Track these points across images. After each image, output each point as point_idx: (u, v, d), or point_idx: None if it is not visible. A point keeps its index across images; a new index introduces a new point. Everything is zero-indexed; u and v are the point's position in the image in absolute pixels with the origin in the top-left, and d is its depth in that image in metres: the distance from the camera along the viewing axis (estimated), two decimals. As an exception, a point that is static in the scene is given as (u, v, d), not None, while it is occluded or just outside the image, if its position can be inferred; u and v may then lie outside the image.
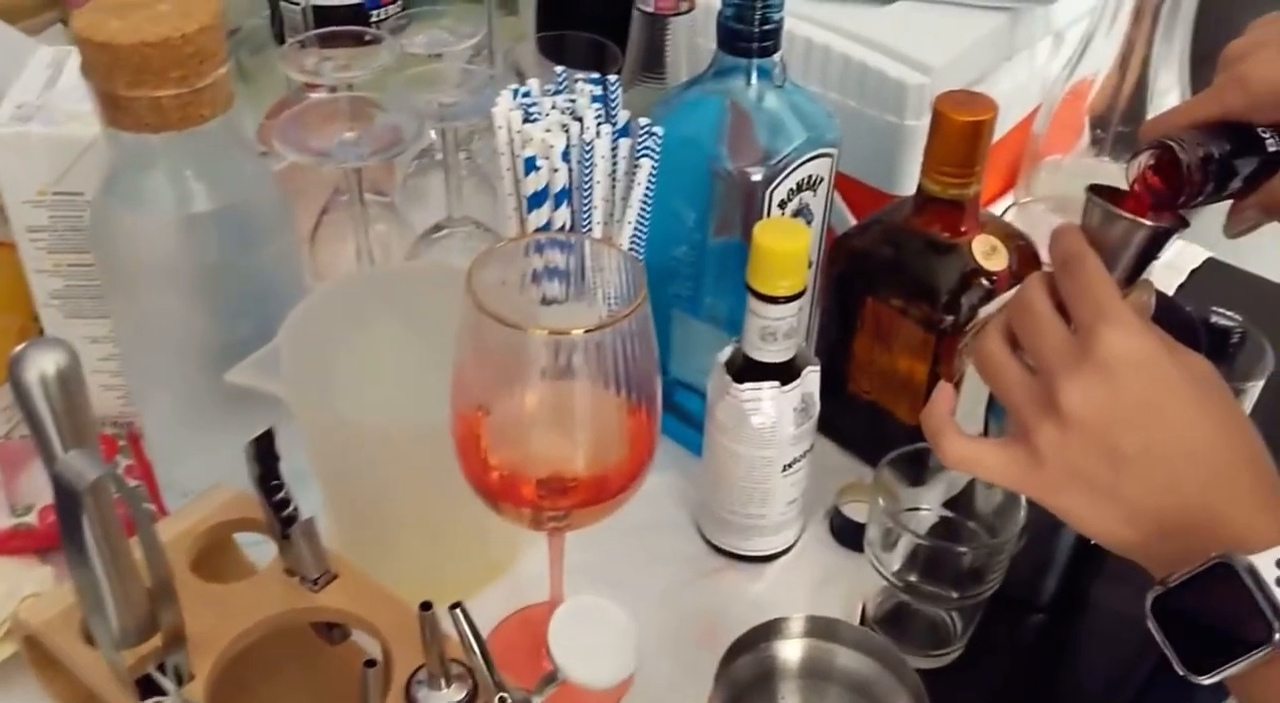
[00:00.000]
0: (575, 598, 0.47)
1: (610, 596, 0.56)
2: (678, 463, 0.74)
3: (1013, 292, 0.68)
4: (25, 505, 0.67)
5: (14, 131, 0.64)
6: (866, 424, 0.75)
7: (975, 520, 0.65)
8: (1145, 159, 0.52)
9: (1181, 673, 0.44)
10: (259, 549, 0.62)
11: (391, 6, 0.88)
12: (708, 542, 0.71)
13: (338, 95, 0.72)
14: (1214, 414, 0.46)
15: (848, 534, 0.71)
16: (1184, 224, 0.51)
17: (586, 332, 0.49)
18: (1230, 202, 0.57)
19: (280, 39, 0.87)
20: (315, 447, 0.62)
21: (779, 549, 0.70)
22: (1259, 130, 0.53)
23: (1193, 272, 0.94)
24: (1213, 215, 0.69)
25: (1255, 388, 0.72)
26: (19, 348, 0.47)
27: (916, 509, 0.66)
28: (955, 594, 0.62)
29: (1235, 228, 0.59)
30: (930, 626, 0.66)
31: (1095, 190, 0.51)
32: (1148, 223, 0.49)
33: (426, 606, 0.50)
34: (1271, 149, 0.53)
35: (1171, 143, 0.51)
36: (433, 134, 0.83)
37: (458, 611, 0.49)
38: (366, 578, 0.58)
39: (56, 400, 0.47)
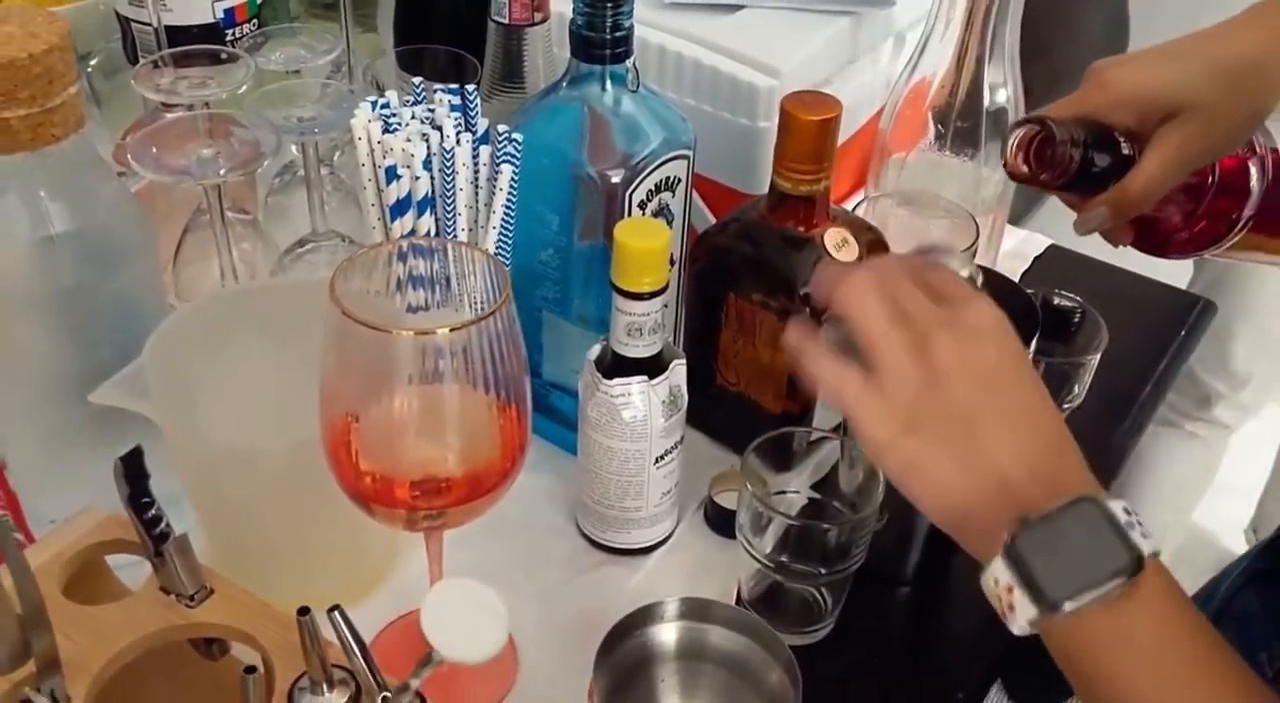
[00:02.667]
0: (443, 581, 0.48)
1: (493, 583, 0.57)
2: (553, 464, 0.76)
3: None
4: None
5: None
6: (735, 415, 0.78)
7: (839, 501, 0.68)
8: (1021, 133, 0.56)
9: (1027, 616, 0.47)
10: (132, 571, 0.62)
11: (246, 25, 0.88)
12: (586, 538, 0.73)
13: (194, 113, 0.72)
14: (1044, 392, 0.50)
15: (722, 523, 0.73)
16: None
17: (452, 331, 0.50)
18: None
19: (134, 61, 0.86)
20: (185, 465, 0.62)
21: (656, 541, 0.72)
22: (1115, 133, 0.58)
23: (1036, 258, 1.00)
24: (1055, 206, 0.73)
25: (1093, 361, 0.77)
26: None
27: (784, 493, 0.69)
28: (823, 571, 0.65)
29: (1085, 225, 0.63)
30: (802, 604, 0.68)
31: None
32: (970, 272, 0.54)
33: (304, 610, 0.51)
34: (1124, 151, 0.57)
35: (1049, 121, 0.55)
36: (294, 150, 0.83)
37: (335, 613, 0.50)
38: (243, 592, 0.58)
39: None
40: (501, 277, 0.53)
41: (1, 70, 0.53)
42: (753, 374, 0.76)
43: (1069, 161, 0.56)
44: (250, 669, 0.49)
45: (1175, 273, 1.31)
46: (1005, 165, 0.60)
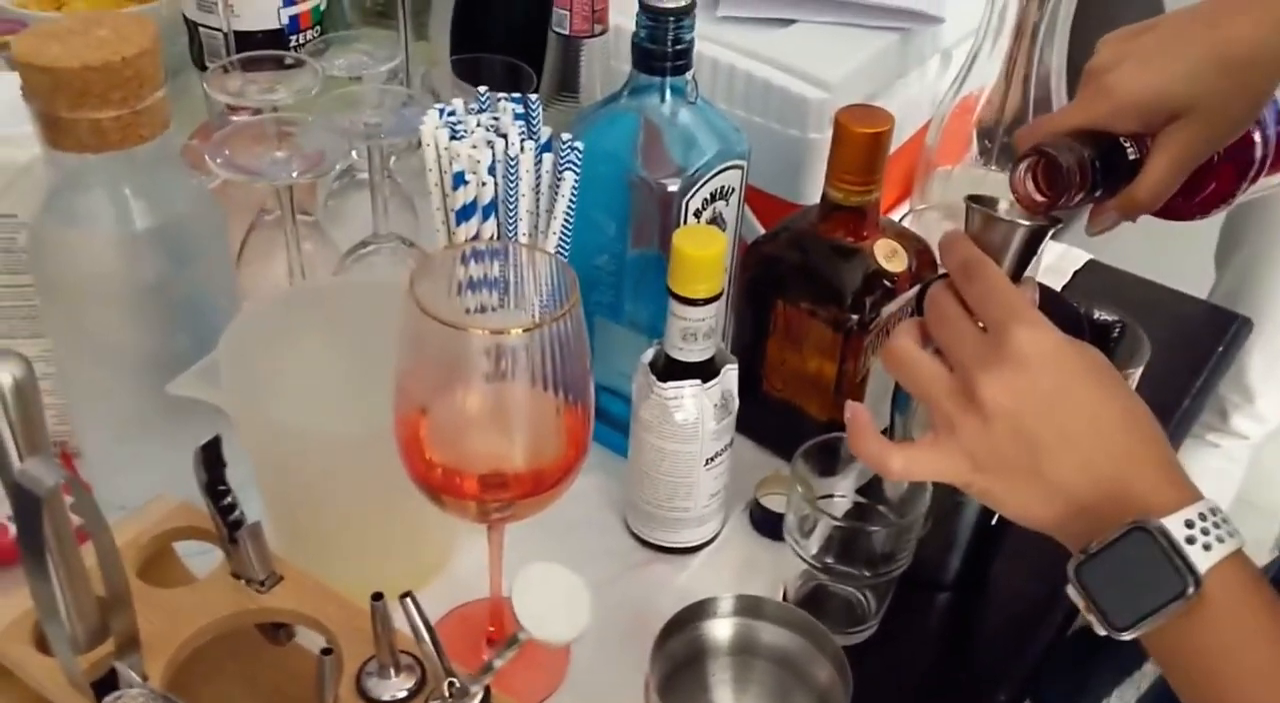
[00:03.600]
0: (529, 566, 0.50)
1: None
2: (603, 465, 0.77)
3: (913, 291, 0.74)
4: (-37, 523, 0.67)
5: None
6: (781, 421, 0.80)
7: (884, 505, 0.70)
8: (1026, 165, 0.57)
9: (1104, 633, 0.49)
10: (198, 560, 0.64)
11: (310, 32, 0.91)
12: (635, 537, 0.75)
13: (264, 117, 0.74)
14: (1116, 399, 0.51)
15: (767, 525, 0.75)
16: (1056, 222, 0.56)
17: (525, 331, 0.52)
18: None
19: (200, 64, 0.89)
20: (256, 455, 0.64)
21: (703, 541, 0.74)
22: (1120, 139, 0.59)
23: (1075, 273, 1.01)
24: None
25: (1135, 375, 0.79)
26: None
27: (830, 497, 0.70)
28: (868, 574, 0.66)
29: (1095, 228, 0.64)
30: (846, 606, 0.70)
31: (974, 199, 0.55)
32: (1024, 223, 0.54)
33: (378, 596, 0.53)
34: (1131, 156, 0.59)
35: (1049, 150, 0.56)
36: (354, 155, 0.85)
37: (408, 600, 0.52)
38: (311, 579, 0.60)
39: (13, 411, 0.49)
40: (568, 278, 0.56)
41: (95, 73, 0.56)
42: (799, 382, 0.78)
43: (1078, 184, 0.57)
44: (327, 651, 0.51)
45: (1200, 283, 1.32)
46: (1016, 197, 0.59)
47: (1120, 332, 0.83)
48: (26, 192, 0.64)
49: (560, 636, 0.48)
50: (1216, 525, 0.47)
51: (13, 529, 0.67)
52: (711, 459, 0.70)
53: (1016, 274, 0.55)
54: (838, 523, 0.65)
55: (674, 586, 0.72)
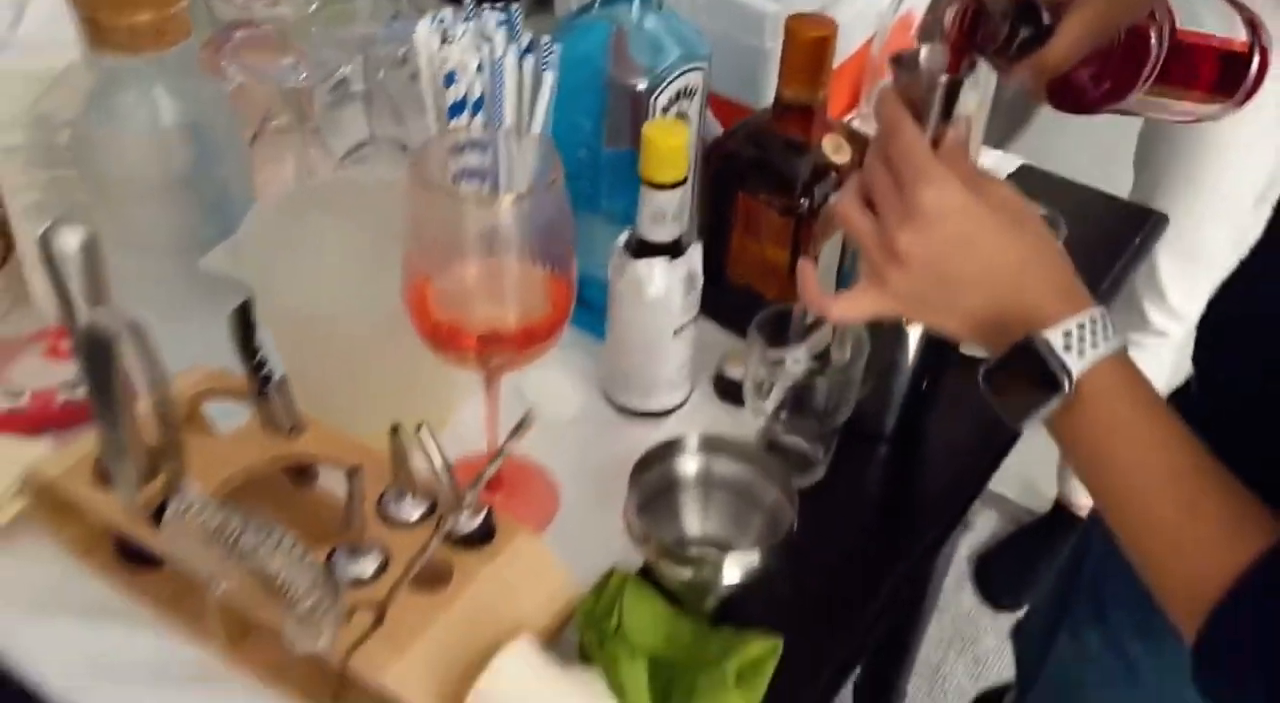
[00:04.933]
0: (532, 371, 0.59)
1: (536, 448, 0.68)
2: (583, 346, 0.86)
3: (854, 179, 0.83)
4: (17, 391, 0.76)
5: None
6: (742, 305, 0.88)
7: (829, 369, 0.79)
8: (956, 10, 0.65)
9: (1007, 423, 0.58)
10: (224, 425, 0.72)
11: (305, -48, 0.98)
12: (612, 405, 0.84)
13: (268, 29, 0.82)
14: (1017, 241, 0.60)
15: (730, 392, 0.84)
16: (973, 67, 0.64)
17: (514, 200, 0.61)
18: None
19: (203, -18, 0.96)
20: (274, 325, 0.72)
21: (672, 406, 0.83)
22: (1039, 7, 0.67)
23: (1009, 175, 1.10)
24: (1034, 132, 0.83)
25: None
26: (48, 226, 0.57)
27: (782, 363, 0.80)
28: (816, 425, 0.76)
29: (1010, 85, 0.71)
30: (799, 457, 0.80)
31: (896, 58, 0.64)
32: (943, 71, 0.62)
33: (395, 428, 0.62)
34: (1046, 22, 0.67)
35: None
36: (345, 69, 0.93)
37: (424, 428, 0.61)
38: (332, 427, 0.69)
39: (82, 267, 0.57)
40: (553, 157, 0.64)
41: (129, -10, 0.64)
42: (757, 269, 0.87)
43: (999, 33, 0.65)
44: (354, 470, 0.60)
45: (1124, 190, 1.42)
46: (945, 36, 0.66)
47: (1048, 223, 0.92)
48: (64, 95, 0.72)
49: (564, 411, 0.57)
50: (1094, 333, 0.56)
51: (60, 397, 0.76)
52: (679, 330, 0.79)
53: (945, 117, 0.62)
54: (793, 375, 0.75)
55: (648, 442, 0.81)
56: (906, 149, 0.60)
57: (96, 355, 0.58)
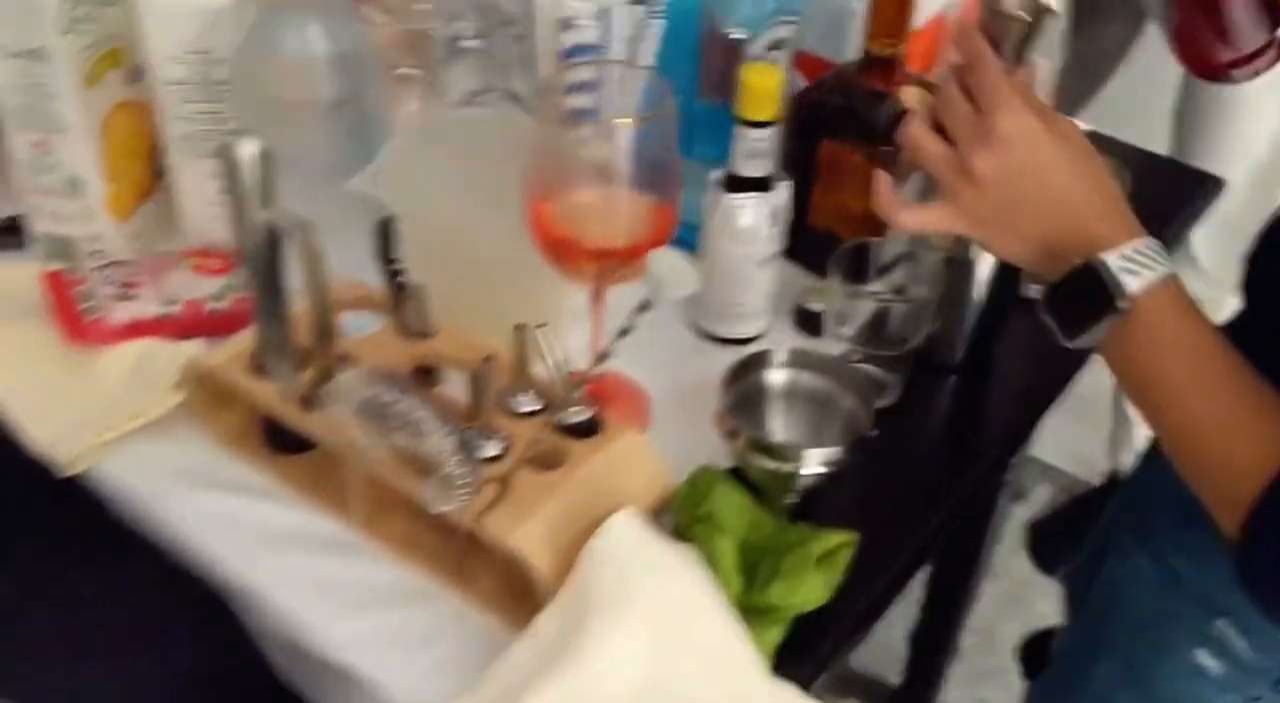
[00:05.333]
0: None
1: (629, 366, 0.76)
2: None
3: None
4: (171, 299, 0.85)
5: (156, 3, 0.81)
6: (821, 248, 0.95)
7: (904, 299, 0.86)
8: None
9: (1064, 343, 0.65)
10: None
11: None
12: (700, 333, 0.91)
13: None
14: (1084, 169, 0.66)
15: (809, 323, 0.91)
16: (1051, 11, 0.70)
17: (628, 122, 0.68)
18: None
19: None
20: (410, 241, 0.80)
21: (755, 333, 0.91)
22: None
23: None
24: (1102, 104, 0.87)
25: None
26: (228, 138, 0.65)
27: (860, 294, 0.87)
28: (890, 352, 0.83)
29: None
30: (874, 383, 0.87)
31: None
32: (1024, 15, 0.68)
33: (520, 328, 0.70)
34: None
35: None
36: (462, 22, 1.01)
37: (546, 328, 0.69)
38: (460, 331, 0.77)
39: (257, 174, 0.66)
40: (664, 88, 0.71)
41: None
42: (838, 215, 0.94)
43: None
44: (488, 358, 0.68)
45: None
46: None
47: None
48: (222, 33, 0.81)
49: (683, 290, 0.64)
50: (1150, 258, 0.62)
51: (208, 306, 0.84)
52: (764, 261, 0.86)
53: (1015, 63, 0.67)
54: (880, 298, 0.81)
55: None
56: (986, 78, 0.66)
57: (268, 252, 0.67)
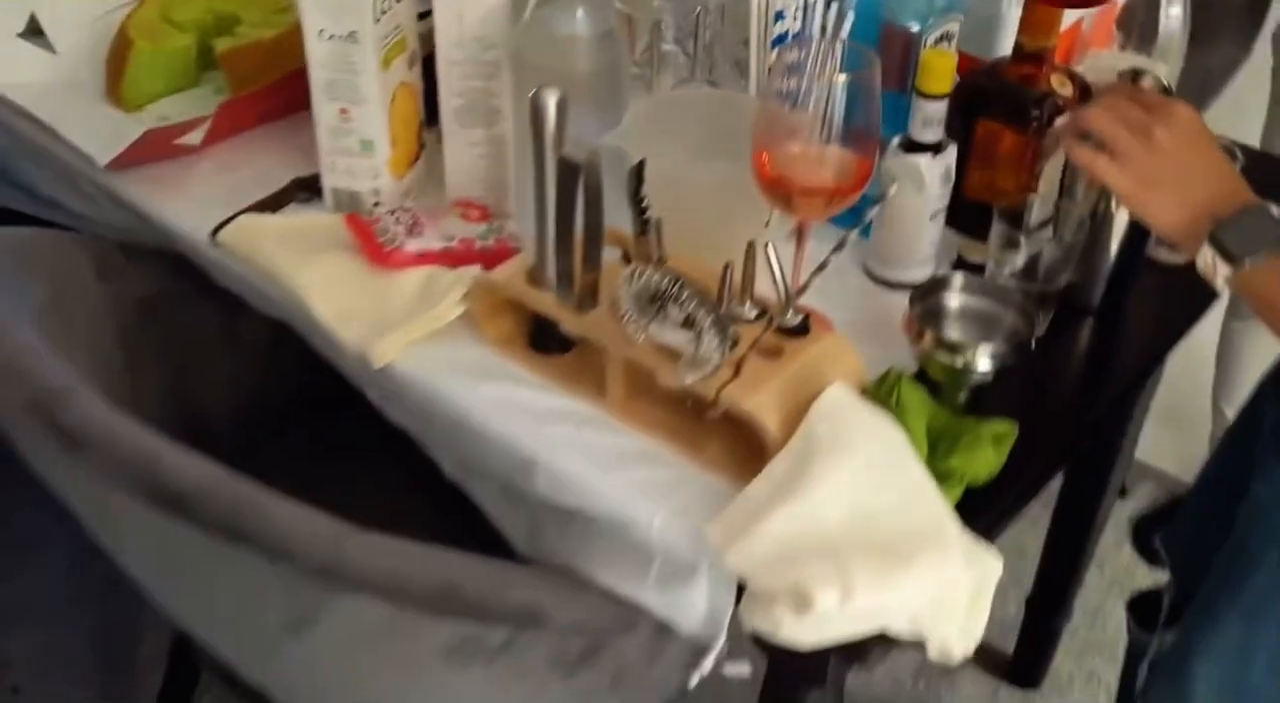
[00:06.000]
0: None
1: (815, 303, 0.94)
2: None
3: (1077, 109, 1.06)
4: (449, 235, 1.04)
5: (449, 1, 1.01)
6: (976, 218, 1.12)
7: (1053, 245, 1.03)
8: None
9: (1229, 267, 0.81)
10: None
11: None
12: (872, 277, 1.08)
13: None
14: (1222, 155, 0.85)
15: (969, 269, 1.08)
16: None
17: (840, 77, 0.86)
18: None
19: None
20: (653, 184, 0.98)
21: (923, 278, 1.07)
22: None
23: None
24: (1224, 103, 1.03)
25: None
26: (539, 89, 0.85)
27: (1017, 242, 1.03)
28: (1040, 290, 1.00)
29: None
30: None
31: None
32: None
33: (750, 244, 0.88)
34: None
35: None
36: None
37: (768, 245, 0.87)
38: (689, 256, 0.95)
39: (557, 117, 0.85)
40: (867, 54, 0.89)
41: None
42: (990, 188, 1.11)
43: None
44: (728, 264, 0.86)
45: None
46: None
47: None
48: (496, 22, 1.01)
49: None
50: None
51: (477, 244, 1.03)
52: (934, 214, 1.03)
53: None
54: (1026, 251, 0.98)
55: (902, 305, 1.06)
56: (1151, 95, 0.87)
57: (563, 181, 0.86)
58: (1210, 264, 0.83)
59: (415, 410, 0.99)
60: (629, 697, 1.02)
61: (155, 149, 1.15)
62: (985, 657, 1.79)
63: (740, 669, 0.93)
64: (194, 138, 1.17)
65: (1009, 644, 1.75)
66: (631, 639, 0.94)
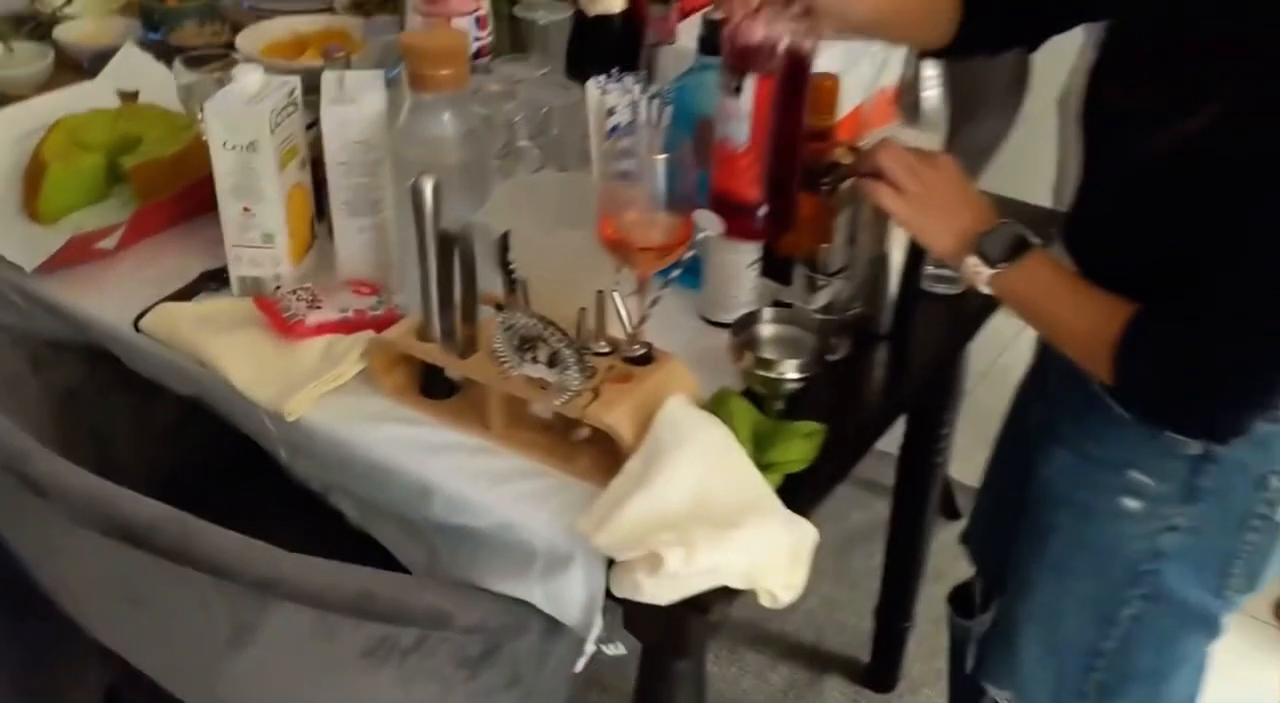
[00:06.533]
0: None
1: (656, 342, 1.15)
2: (687, 294, 1.33)
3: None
4: (345, 307, 1.23)
5: (336, 109, 1.21)
6: (785, 267, 1.35)
7: (847, 283, 1.26)
8: None
9: (988, 269, 1.05)
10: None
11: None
12: (705, 320, 1.30)
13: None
14: (978, 191, 1.09)
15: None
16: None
17: (662, 156, 1.08)
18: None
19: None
20: (516, 250, 1.18)
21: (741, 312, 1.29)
22: None
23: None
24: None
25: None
26: (417, 177, 1.05)
27: (818, 283, 1.26)
28: (839, 319, 1.22)
29: None
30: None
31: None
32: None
33: (600, 293, 1.08)
34: None
35: None
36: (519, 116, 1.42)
37: (616, 293, 1.07)
38: (550, 307, 1.15)
39: (434, 199, 1.05)
40: (683, 139, 1.12)
41: (444, 49, 1.13)
42: (794, 243, 1.34)
43: None
44: (583, 309, 1.06)
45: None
46: None
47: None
48: (375, 128, 1.21)
49: (713, 232, 1.04)
50: (1035, 237, 1.05)
51: (369, 313, 1.22)
52: (750, 264, 1.26)
53: None
54: (826, 290, 1.21)
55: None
56: (920, 149, 1.11)
57: (445, 248, 1.05)
58: (974, 272, 1.06)
59: (323, 459, 1.16)
60: (525, 695, 1.19)
61: (77, 253, 1.32)
62: (846, 667, 1.99)
63: (618, 649, 1.11)
64: (109, 242, 1.33)
65: (866, 655, 1.96)
66: (524, 639, 1.12)
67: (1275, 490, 1.11)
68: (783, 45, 1.12)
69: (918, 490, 1.70)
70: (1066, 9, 1.18)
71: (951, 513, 2.21)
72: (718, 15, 1.24)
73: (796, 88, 1.18)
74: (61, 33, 1.80)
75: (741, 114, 1.14)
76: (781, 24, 1.11)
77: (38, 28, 1.84)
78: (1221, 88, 0.94)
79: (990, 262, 1.05)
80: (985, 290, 1.07)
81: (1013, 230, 1.06)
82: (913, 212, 1.09)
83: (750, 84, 1.13)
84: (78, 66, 1.73)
